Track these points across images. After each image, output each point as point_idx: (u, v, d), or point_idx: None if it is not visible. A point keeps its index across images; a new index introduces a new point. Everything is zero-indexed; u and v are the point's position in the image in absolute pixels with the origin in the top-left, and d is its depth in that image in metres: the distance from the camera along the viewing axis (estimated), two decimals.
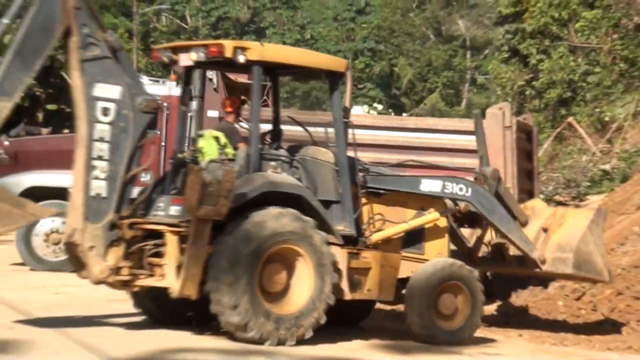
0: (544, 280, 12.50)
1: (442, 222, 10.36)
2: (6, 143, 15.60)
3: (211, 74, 13.58)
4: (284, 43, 47.81)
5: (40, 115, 29.21)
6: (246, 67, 9.72)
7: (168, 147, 14.39)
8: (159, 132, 14.69)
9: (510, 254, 10.75)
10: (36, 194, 14.50)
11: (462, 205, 10.50)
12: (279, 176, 9.55)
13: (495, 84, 33.44)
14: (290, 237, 9.20)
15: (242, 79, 15.96)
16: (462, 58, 51.06)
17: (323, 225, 9.47)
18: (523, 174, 14.50)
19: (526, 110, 26.46)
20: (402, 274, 10.11)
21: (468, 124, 15.15)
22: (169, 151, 14.39)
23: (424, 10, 52.11)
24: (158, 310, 10.01)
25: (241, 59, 9.46)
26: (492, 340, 10.21)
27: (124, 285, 9.43)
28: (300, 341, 9.18)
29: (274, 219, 9.12)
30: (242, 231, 9.01)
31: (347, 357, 8.78)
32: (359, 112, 40.26)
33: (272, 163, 9.67)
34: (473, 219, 10.80)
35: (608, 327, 11.24)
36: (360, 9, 53.62)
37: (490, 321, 11.33)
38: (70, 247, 9.29)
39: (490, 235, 10.90)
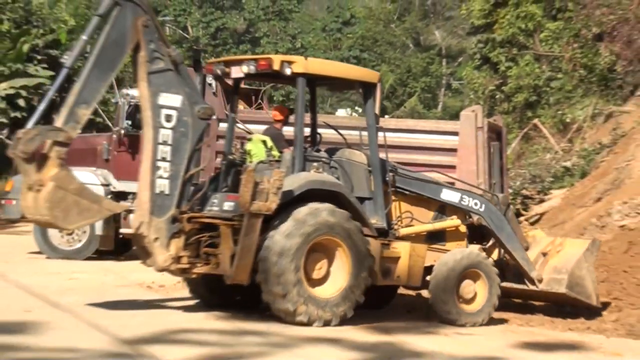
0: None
1: (463, 228, 10.65)
2: None
3: (210, 79, 13.64)
4: (277, 51, 47.73)
5: (55, 118, 29.12)
6: (291, 79, 9.85)
7: None
8: None
9: (510, 271, 10.86)
10: None
11: (475, 218, 10.65)
12: (321, 175, 9.76)
13: (468, 89, 33.39)
14: (332, 230, 9.39)
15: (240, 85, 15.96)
16: (439, 65, 51.02)
17: (359, 219, 9.69)
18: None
19: (496, 112, 26.43)
20: (426, 263, 10.34)
21: (444, 125, 15.23)
22: None
23: (404, 22, 52.04)
24: (210, 295, 10.20)
25: (287, 71, 9.62)
26: None
27: (183, 272, 9.62)
28: (343, 320, 9.41)
29: (318, 214, 9.32)
30: (289, 225, 9.20)
31: (333, 337, 8.82)
32: (343, 115, 40.39)
33: (315, 164, 9.86)
34: (482, 236, 10.90)
35: (569, 309, 11.29)
36: (346, 20, 53.56)
37: None
38: (137, 239, 9.48)
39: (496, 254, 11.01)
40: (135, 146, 14.77)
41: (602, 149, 20.83)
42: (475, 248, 10.62)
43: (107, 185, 14.98)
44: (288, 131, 10.45)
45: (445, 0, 51.55)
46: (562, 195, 19.29)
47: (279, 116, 10.59)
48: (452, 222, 10.60)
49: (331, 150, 10.33)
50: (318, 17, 56.77)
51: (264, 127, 10.89)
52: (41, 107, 9.31)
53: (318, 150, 10.32)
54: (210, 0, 52.50)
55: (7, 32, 29.25)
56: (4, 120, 26.64)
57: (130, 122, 14.92)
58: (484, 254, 10.52)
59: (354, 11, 53.91)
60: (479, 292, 10.26)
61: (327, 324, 9.31)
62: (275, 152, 10.03)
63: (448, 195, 10.56)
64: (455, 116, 30.55)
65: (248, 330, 8.96)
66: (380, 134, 10.10)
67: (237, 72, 10.00)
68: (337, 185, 9.73)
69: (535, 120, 25.46)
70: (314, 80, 10.17)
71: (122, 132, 14.84)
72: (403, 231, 10.26)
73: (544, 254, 10.93)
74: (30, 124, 9.13)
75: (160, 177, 9.44)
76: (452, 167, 13.70)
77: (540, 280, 10.72)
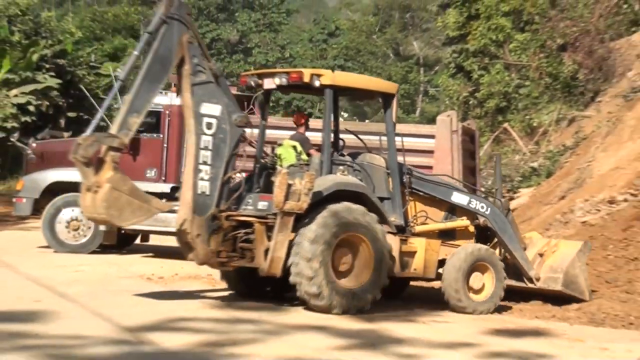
0: None
1: (471, 228, 10.79)
2: (34, 145, 15.54)
3: None
4: (267, 61, 47.76)
5: (62, 122, 29.09)
6: (320, 90, 9.91)
7: (170, 149, 14.36)
8: (161, 136, 14.61)
9: (510, 270, 10.92)
10: (58, 187, 14.51)
11: (481, 220, 10.78)
12: (346, 178, 9.87)
13: (444, 95, 33.52)
14: (356, 227, 9.52)
15: (234, 91, 15.98)
16: (417, 73, 51.19)
17: (380, 217, 9.83)
18: (467, 170, 14.60)
19: (470, 117, 26.56)
20: (439, 257, 10.48)
21: (422, 129, 15.27)
22: (171, 152, 14.40)
23: (385, 33, 52.21)
24: (243, 286, 10.31)
25: (316, 83, 9.71)
26: (441, 311, 10.37)
27: (222, 265, 9.72)
28: (361, 311, 9.49)
29: (345, 212, 9.44)
30: (320, 220, 9.31)
31: (320, 325, 8.83)
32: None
33: (340, 167, 9.97)
34: (487, 237, 10.99)
35: (536, 299, 11.36)
36: (331, 32, 53.64)
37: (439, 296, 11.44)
38: (181, 235, 9.56)
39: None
40: (136, 148, 14.75)
41: (565, 150, 20.95)
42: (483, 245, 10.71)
43: None
44: (314, 137, 10.58)
45: (423, 13, 51.65)
46: (530, 193, 19.39)
47: (300, 121, 10.69)
48: (462, 222, 10.75)
49: (354, 154, 10.47)
50: (305, 29, 56.84)
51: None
52: (98, 116, 9.38)
53: (342, 155, 10.44)
54: (205, 13, 52.45)
55: (18, 43, 29.20)
56: (15, 124, 26.57)
57: None
58: (490, 248, 10.67)
59: (338, 23, 54.02)
60: (487, 283, 10.45)
61: (360, 310, 9.46)
62: (304, 156, 10.15)
63: (458, 198, 10.71)
64: (432, 120, 30.65)
65: (241, 319, 8.99)
66: (398, 139, 10.21)
67: (269, 83, 10.11)
68: (361, 186, 9.88)
69: (505, 124, 25.59)
70: (338, 91, 10.27)
71: None
72: (418, 228, 10.41)
73: (541, 255, 11.07)
74: (88, 131, 9.22)
75: (202, 179, 9.55)
76: (429, 167, 13.76)
77: (537, 279, 10.88)
